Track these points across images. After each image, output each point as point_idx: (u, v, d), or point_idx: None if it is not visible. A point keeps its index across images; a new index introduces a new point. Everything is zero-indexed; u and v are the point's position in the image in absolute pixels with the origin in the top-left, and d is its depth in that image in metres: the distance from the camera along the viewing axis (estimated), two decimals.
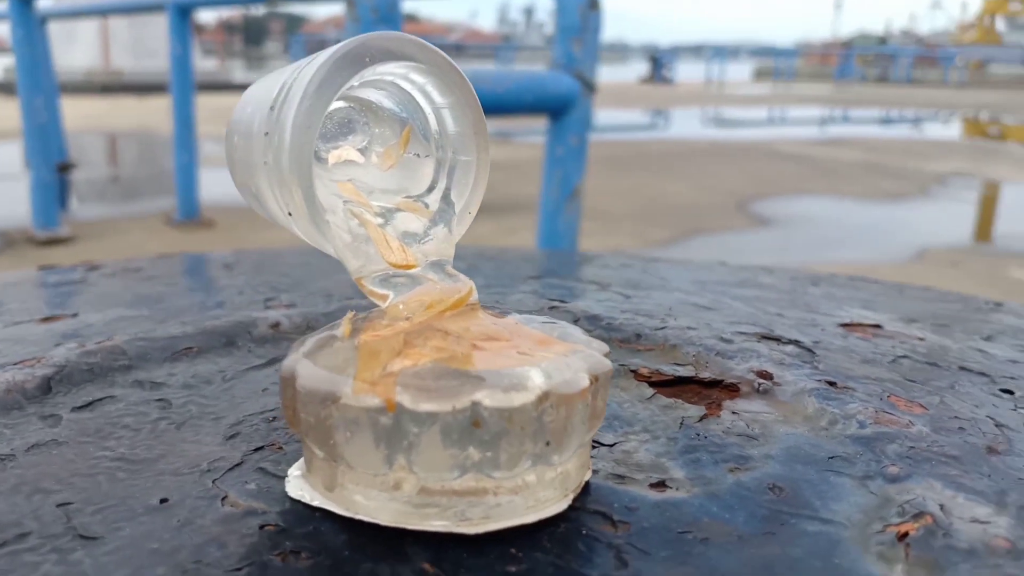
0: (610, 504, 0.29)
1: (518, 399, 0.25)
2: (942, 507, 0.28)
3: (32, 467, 0.31)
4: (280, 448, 0.33)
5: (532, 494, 0.27)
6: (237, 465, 0.31)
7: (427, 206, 0.33)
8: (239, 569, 0.25)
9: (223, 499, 0.29)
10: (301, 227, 0.30)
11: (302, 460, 0.31)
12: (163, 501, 0.29)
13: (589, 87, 2.16)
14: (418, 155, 0.35)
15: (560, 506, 0.28)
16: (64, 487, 0.30)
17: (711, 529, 0.27)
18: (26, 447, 0.33)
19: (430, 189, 0.35)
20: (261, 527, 0.27)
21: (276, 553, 0.26)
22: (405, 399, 0.25)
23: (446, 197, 0.34)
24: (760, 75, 24.79)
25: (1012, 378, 0.41)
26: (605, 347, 0.30)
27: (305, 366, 0.27)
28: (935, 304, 0.59)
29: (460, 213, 0.34)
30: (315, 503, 0.28)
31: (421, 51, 0.31)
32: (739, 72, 26.24)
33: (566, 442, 0.27)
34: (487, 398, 0.25)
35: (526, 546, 0.26)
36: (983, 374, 0.42)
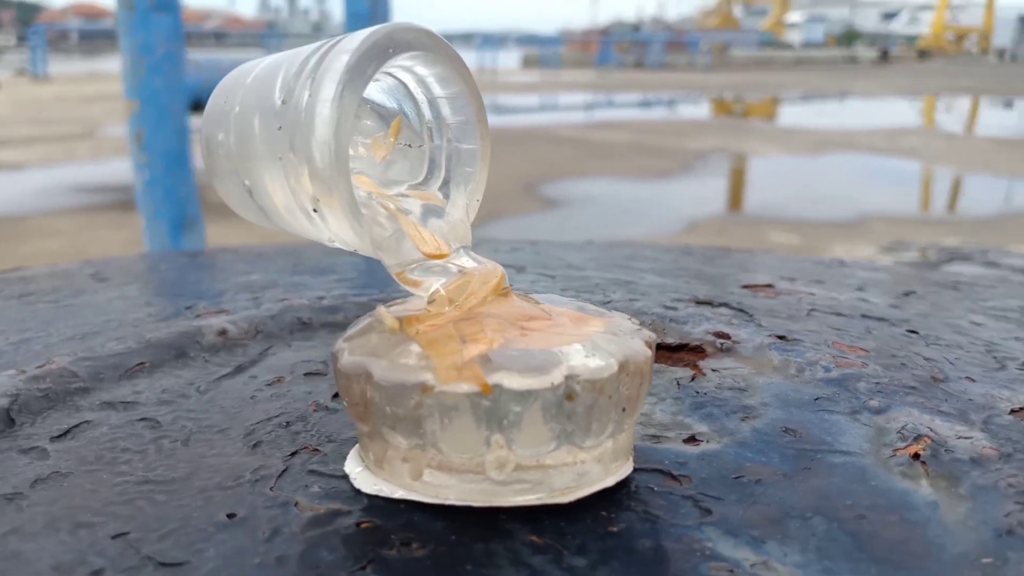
0: (661, 461, 0.31)
1: (605, 371, 0.27)
2: (931, 429, 0.33)
3: (51, 503, 0.29)
4: (316, 450, 0.32)
5: (608, 460, 0.29)
6: (284, 472, 0.31)
7: (442, 195, 0.34)
8: (362, 568, 0.25)
9: (295, 505, 0.28)
10: (334, 223, 0.30)
11: (354, 456, 0.31)
12: (231, 516, 0.28)
13: None
14: (409, 145, 0.36)
15: (628, 468, 0.30)
16: (106, 518, 0.28)
17: (757, 472, 0.30)
18: (29, 483, 0.30)
19: (426, 179, 0.35)
20: (358, 525, 0.27)
21: (387, 548, 0.26)
22: (504, 380, 0.26)
23: (447, 185, 0.35)
24: (528, 63, 25.67)
25: (906, 320, 0.48)
26: (628, 319, 0.32)
27: (378, 362, 0.27)
28: (792, 264, 0.67)
29: (470, 199, 0.34)
30: (397, 495, 0.28)
31: (434, 42, 0.32)
32: (509, 60, 27.01)
33: (636, 408, 0.29)
34: (579, 372, 0.26)
35: (613, 508, 0.28)
36: (882, 319, 0.49)
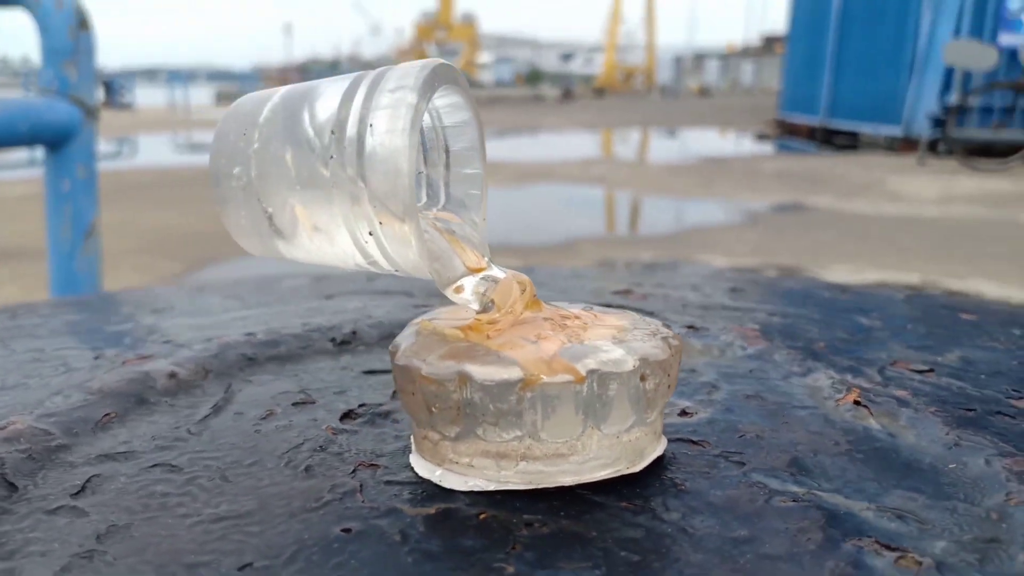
0: (677, 433, 0.36)
1: (663, 353, 0.32)
2: (852, 382, 0.41)
3: (139, 552, 0.28)
4: (373, 465, 0.34)
5: (659, 433, 0.34)
6: (362, 487, 0.32)
7: (473, 219, 0.37)
8: (513, 548, 0.27)
9: (401, 511, 0.30)
10: (394, 246, 0.32)
11: (420, 461, 0.33)
12: (346, 531, 0.29)
13: (91, 113, 2.01)
14: (420, 172, 0.38)
15: (664, 440, 0.35)
16: (214, 555, 0.27)
17: (752, 430, 0.37)
18: (94, 539, 0.28)
19: (427, 204, 0.38)
20: (478, 516, 0.29)
21: (519, 530, 0.28)
22: (592, 367, 0.30)
23: (452, 208, 0.38)
24: (223, 98, 24.69)
25: (753, 308, 0.58)
26: (631, 315, 0.37)
27: (474, 367, 0.30)
28: (620, 273, 0.76)
29: (478, 219, 0.38)
30: (491, 487, 0.31)
31: (459, 75, 0.35)
32: (201, 96, 25.75)
33: (674, 386, 0.34)
34: (648, 356, 0.31)
35: (672, 472, 0.33)
36: (737, 309, 0.58)
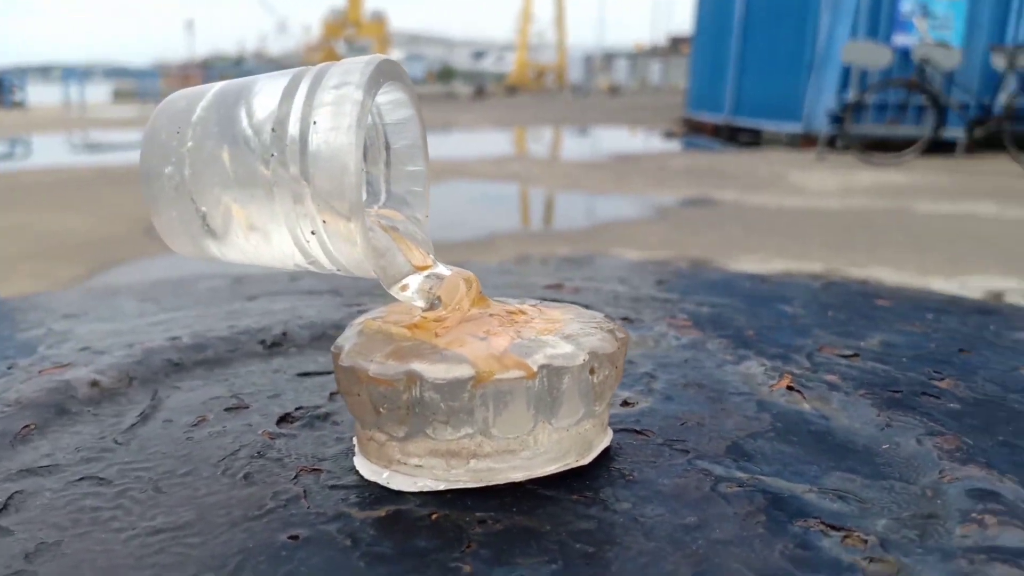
0: (621, 423, 0.37)
1: (612, 346, 0.32)
2: (781, 367, 0.42)
3: (67, 571, 0.26)
4: (315, 469, 0.33)
5: (604, 425, 0.34)
6: (306, 493, 0.31)
7: (415, 216, 0.36)
8: (468, 547, 0.27)
9: (349, 515, 0.29)
10: (338, 245, 0.31)
11: (365, 464, 0.32)
12: (293, 537, 0.28)
13: None
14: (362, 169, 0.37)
15: (610, 432, 0.35)
16: (157, 569, 0.26)
17: (692, 417, 0.37)
18: (21, 558, 0.27)
19: (368, 201, 0.37)
20: (430, 516, 0.29)
21: (472, 528, 0.28)
22: (542, 363, 0.30)
23: (394, 205, 0.37)
24: (121, 96, 23.75)
25: (682, 298, 0.59)
26: (572, 307, 0.37)
27: (425, 366, 0.30)
28: (537, 267, 0.76)
29: (421, 216, 0.37)
30: (441, 487, 0.30)
31: (403, 72, 0.34)
32: (98, 94, 24.71)
33: (621, 377, 0.34)
34: (597, 350, 0.31)
35: (619, 463, 0.33)
36: (667, 300, 0.59)
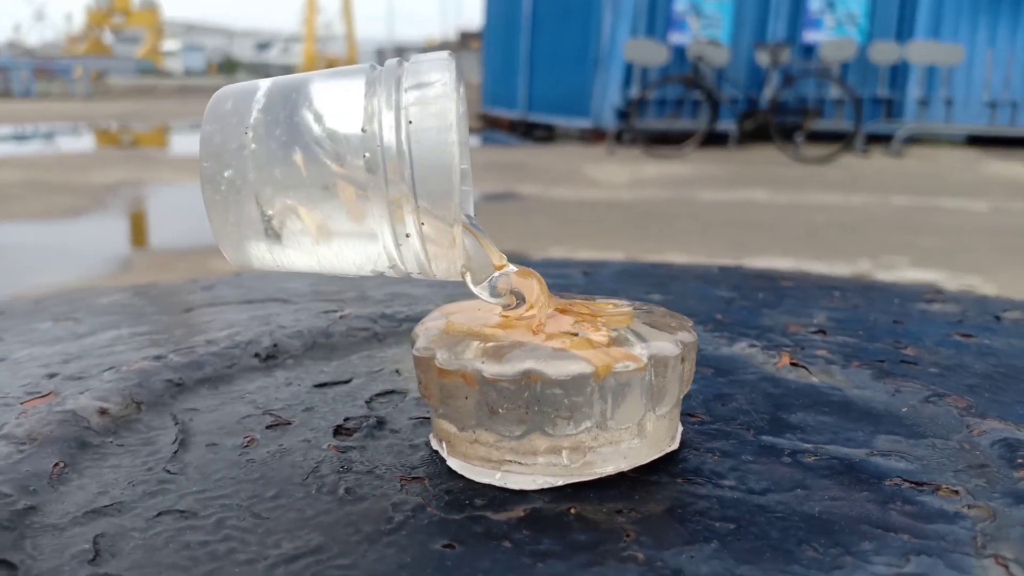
0: None
1: (692, 337, 0.34)
2: (771, 346, 0.46)
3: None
4: (415, 479, 0.32)
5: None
6: (428, 503, 0.30)
7: (469, 215, 0.36)
8: (627, 537, 0.28)
9: (485, 520, 0.29)
10: (434, 248, 0.31)
11: (470, 468, 0.32)
12: (448, 546, 0.27)
13: None
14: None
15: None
16: None
17: (726, 398, 0.40)
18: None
19: None
20: (569, 511, 0.29)
21: (617, 520, 0.29)
22: (648, 354, 0.31)
23: None
24: None
25: (621, 290, 0.62)
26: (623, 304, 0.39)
27: (543, 364, 0.30)
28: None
29: (473, 216, 0.37)
30: (560, 482, 0.31)
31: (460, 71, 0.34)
32: None
33: None
34: (685, 340, 0.33)
35: (692, 446, 0.35)
36: (614, 291, 0.62)
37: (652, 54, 7.35)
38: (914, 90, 7.60)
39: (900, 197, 5.38)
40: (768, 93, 7.27)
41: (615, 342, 0.31)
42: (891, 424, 0.37)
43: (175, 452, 0.34)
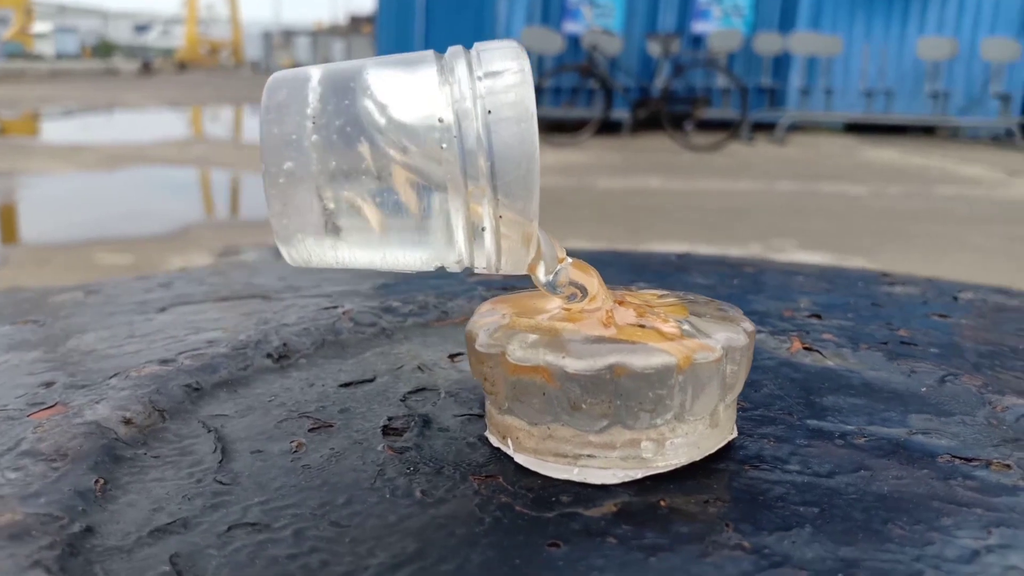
0: None
1: (752, 326, 0.34)
2: (778, 331, 0.47)
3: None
4: (489, 477, 0.31)
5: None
6: (509, 500, 0.30)
7: None
8: (727, 527, 0.28)
9: (579, 517, 0.29)
10: (511, 243, 0.30)
11: (540, 464, 0.31)
12: (553, 545, 0.27)
13: None
14: None
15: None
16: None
17: (756, 384, 0.41)
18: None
19: None
20: (659, 503, 0.29)
21: (709, 510, 0.29)
22: (724, 344, 0.32)
23: None
24: None
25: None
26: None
27: (627, 357, 0.30)
28: None
29: None
30: (639, 475, 0.31)
31: None
32: None
33: None
34: (748, 330, 0.33)
35: (744, 434, 0.36)
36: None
37: (547, 42, 7.41)
38: (796, 80, 7.94)
39: (785, 183, 5.62)
40: (659, 82, 7.45)
41: (698, 335, 0.32)
42: (918, 404, 0.39)
43: (220, 461, 0.32)
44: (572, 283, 0.34)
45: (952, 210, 4.67)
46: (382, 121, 0.29)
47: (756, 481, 0.31)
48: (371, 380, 0.41)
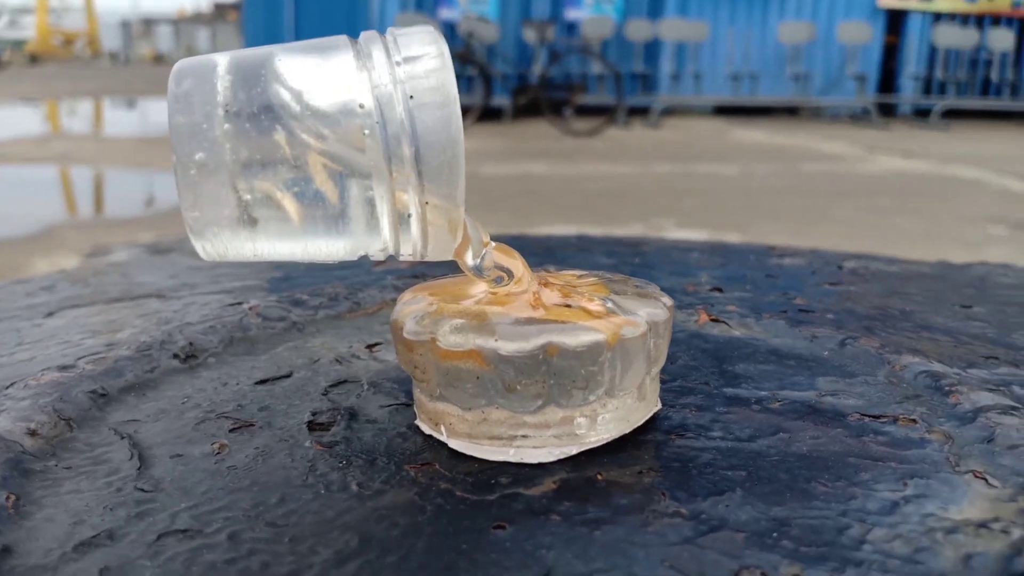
0: None
1: (671, 301, 0.35)
2: (683, 305, 0.49)
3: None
4: (424, 464, 0.31)
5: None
6: (448, 488, 0.29)
7: None
8: (662, 496, 0.29)
9: (521, 497, 0.29)
10: (438, 228, 0.30)
11: (474, 447, 0.31)
12: (499, 527, 0.27)
13: None
14: None
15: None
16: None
17: (671, 356, 0.42)
18: None
19: None
20: (597, 477, 0.30)
21: (645, 480, 0.30)
22: (646, 318, 0.32)
23: None
24: None
25: None
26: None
27: (558, 336, 0.30)
28: None
29: None
30: (575, 451, 0.31)
31: None
32: None
33: None
34: (669, 303, 0.34)
35: (667, 405, 0.37)
36: None
37: None
38: (667, 65, 8.17)
39: (661, 165, 5.79)
40: (537, 69, 7.52)
41: (622, 312, 0.32)
42: (823, 367, 0.41)
43: (139, 468, 0.31)
44: (497, 266, 0.34)
45: (817, 185, 4.93)
46: (298, 108, 0.29)
47: (684, 449, 0.32)
48: (287, 376, 0.40)
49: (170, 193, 5.14)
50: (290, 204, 0.29)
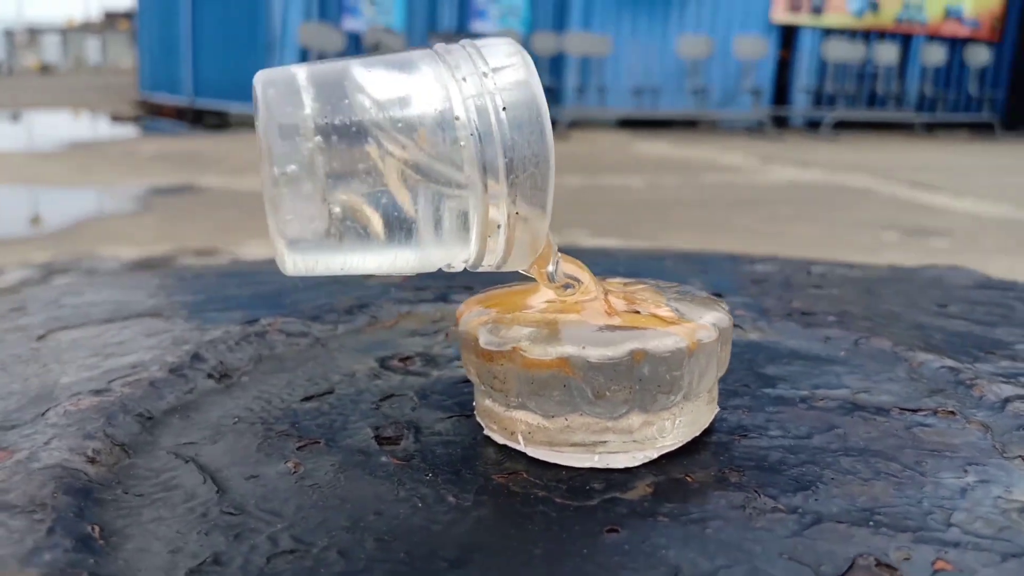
0: None
1: (726, 306, 0.36)
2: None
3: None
4: (512, 473, 0.31)
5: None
6: (545, 495, 0.30)
7: None
8: (757, 484, 0.30)
9: (620, 501, 0.29)
10: (522, 239, 0.31)
11: (557, 455, 0.32)
12: (612, 531, 0.28)
13: None
14: None
15: None
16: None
17: None
18: None
19: None
20: (686, 478, 0.31)
21: (732, 480, 0.31)
22: (713, 325, 0.33)
23: None
24: None
25: None
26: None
27: (644, 343, 0.31)
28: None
29: None
30: (655, 455, 0.32)
31: None
32: None
33: None
34: (727, 309, 0.35)
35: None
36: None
37: (327, 40, 7.26)
38: (572, 78, 8.31)
39: (571, 177, 5.87)
40: None
41: (691, 318, 0.33)
42: (845, 367, 0.43)
43: (217, 492, 0.30)
44: (566, 275, 0.34)
45: (719, 195, 5.10)
46: (389, 120, 0.28)
47: (752, 449, 0.33)
48: (330, 392, 0.39)
49: (62, 210, 4.91)
50: (381, 217, 0.29)
